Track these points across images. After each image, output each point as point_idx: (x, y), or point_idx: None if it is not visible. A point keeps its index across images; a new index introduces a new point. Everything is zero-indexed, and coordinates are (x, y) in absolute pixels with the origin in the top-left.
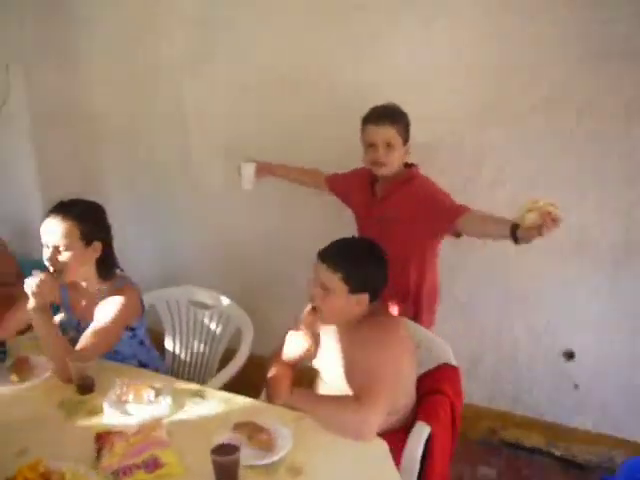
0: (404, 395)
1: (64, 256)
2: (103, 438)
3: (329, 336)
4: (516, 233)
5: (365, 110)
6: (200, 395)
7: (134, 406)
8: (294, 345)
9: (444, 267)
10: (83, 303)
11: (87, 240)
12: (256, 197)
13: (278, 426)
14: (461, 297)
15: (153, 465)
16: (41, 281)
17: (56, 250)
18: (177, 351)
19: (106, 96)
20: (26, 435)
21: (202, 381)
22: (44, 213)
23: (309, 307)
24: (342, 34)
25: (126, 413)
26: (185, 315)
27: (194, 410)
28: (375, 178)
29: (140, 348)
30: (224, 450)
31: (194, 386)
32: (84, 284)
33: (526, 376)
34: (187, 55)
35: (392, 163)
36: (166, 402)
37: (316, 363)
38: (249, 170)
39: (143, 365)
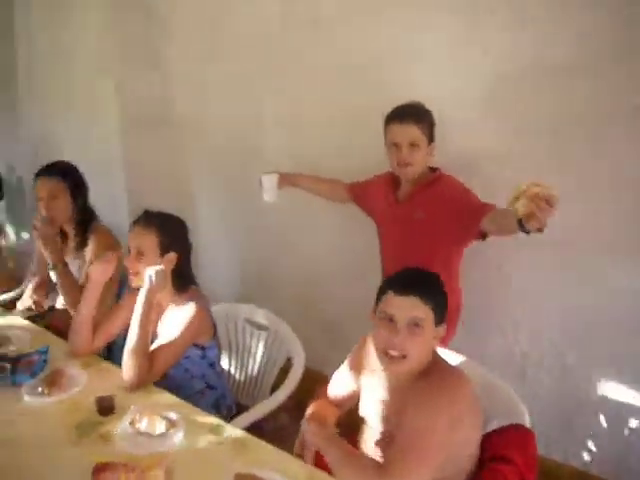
0: (461, 461)
1: (141, 261)
2: (98, 472)
3: (379, 382)
4: (523, 225)
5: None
6: (215, 432)
7: (144, 436)
8: (341, 386)
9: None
10: (157, 316)
11: (163, 250)
12: (340, 216)
13: None
14: (549, 340)
15: None
16: (158, 272)
17: (135, 255)
18: (232, 369)
19: (190, 100)
20: (28, 454)
21: (253, 402)
22: (130, 217)
23: (362, 347)
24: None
25: (135, 443)
26: (241, 333)
27: (204, 449)
28: (398, 182)
29: (210, 371)
30: None
31: (214, 421)
32: (158, 297)
33: (635, 440)
34: (267, 56)
35: (417, 163)
36: (177, 437)
37: (362, 410)
38: (272, 182)
39: (211, 387)
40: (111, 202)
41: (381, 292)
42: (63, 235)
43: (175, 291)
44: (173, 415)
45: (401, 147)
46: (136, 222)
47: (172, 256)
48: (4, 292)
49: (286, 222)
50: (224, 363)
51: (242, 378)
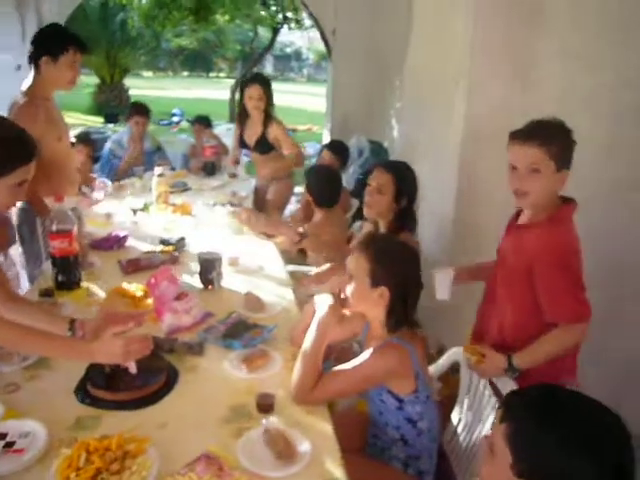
0: None
1: (351, 284)
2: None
3: None
4: None
5: None
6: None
7: (261, 453)
8: None
9: None
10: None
11: (374, 281)
12: None
13: None
14: None
15: None
16: (332, 307)
17: (347, 277)
18: (459, 429)
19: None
20: (181, 406)
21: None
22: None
23: None
24: None
25: (248, 454)
26: (481, 393)
27: None
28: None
29: (407, 426)
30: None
31: (339, 474)
32: (373, 327)
33: None
34: None
35: (536, 193)
36: (283, 472)
37: None
38: (446, 279)
39: (405, 442)
40: (439, 216)
41: None
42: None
43: (385, 327)
44: (305, 447)
45: (519, 171)
46: (360, 242)
47: (384, 291)
48: None
49: None
50: (454, 416)
51: (464, 442)
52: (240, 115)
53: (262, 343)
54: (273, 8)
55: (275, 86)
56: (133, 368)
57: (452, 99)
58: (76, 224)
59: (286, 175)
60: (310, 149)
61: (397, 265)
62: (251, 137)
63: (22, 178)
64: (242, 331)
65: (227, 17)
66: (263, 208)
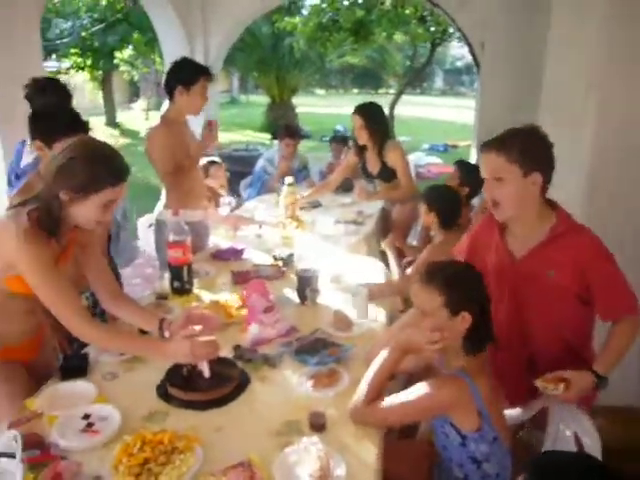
0: None
1: (428, 321)
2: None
3: None
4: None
5: None
6: None
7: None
8: None
9: None
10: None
11: (453, 309)
12: None
13: None
14: None
15: None
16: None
17: (419, 313)
18: None
19: None
20: (238, 415)
21: None
22: None
23: None
24: None
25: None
26: (567, 439)
27: None
28: (503, 227)
29: (471, 466)
30: None
31: None
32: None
33: None
34: None
35: (506, 201)
36: None
37: None
38: (360, 300)
39: None
40: None
41: None
42: None
43: (462, 350)
44: (340, 472)
45: (487, 182)
46: (422, 276)
47: (466, 317)
48: None
49: None
50: None
51: None
52: (356, 145)
53: (335, 363)
54: (429, 23)
55: (444, 101)
56: (206, 372)
57: (581, 115)
58: (189, 235)
59: (411, 197)
60: None
61: (470, 286)
62: (373, 167)
63: (110, 198)
64: (319, 348)
65: (384, 35)
66: (388, 228)
